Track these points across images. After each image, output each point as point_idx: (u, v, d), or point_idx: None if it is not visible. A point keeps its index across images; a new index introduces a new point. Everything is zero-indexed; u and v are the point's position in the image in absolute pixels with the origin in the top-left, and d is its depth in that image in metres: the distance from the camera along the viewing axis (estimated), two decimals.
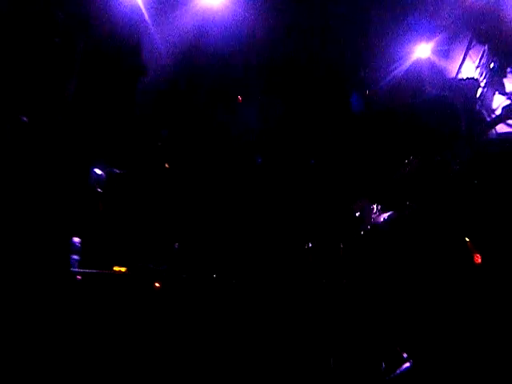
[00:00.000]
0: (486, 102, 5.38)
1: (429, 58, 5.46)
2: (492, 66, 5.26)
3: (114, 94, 3.97)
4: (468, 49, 5.58)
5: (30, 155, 3.52)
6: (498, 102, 5.29)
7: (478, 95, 5.17)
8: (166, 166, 5.12)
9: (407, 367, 3.52)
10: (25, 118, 3.23)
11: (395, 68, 4.96)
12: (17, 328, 3.29)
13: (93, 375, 3.38)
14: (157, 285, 4.25)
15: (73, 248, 4.20)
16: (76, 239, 4.23)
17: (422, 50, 5.67)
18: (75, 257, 4.24)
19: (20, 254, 3.59)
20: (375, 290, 4.02)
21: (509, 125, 4.50)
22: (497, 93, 5.26)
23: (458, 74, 5.72)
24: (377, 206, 3.71)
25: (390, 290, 3.72)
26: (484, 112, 5.00)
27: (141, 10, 5.07)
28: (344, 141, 6.09)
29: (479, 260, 4.28)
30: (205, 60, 6.09)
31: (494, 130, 4.72)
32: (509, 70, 5.11)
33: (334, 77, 6.44)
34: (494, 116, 3.31)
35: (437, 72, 5.74)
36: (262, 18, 5.89)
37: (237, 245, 5.44)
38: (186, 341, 4.02)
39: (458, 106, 3.54)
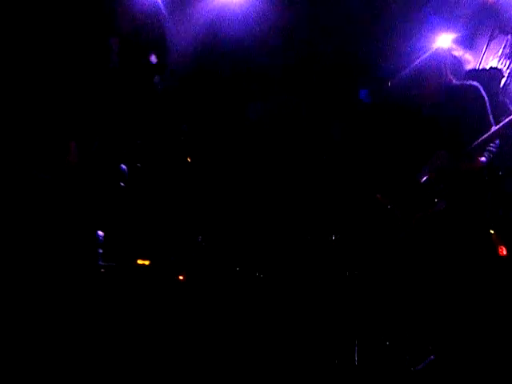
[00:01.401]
0: (508, 92, 5.33)
1: (450, 48, 5.40)
2: None
3: (137, 90, 3.98)
4: (491, 38, 5.51)
5: (53, 150, 3.55)
6: None
7: (501, 85, 5.12)
8: (188, 159, 5.15)
9: (431, 359, 3.52)
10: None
11: (416, 58, 4.90)
12: (42, 320, 3.33)
13: (116, 366, 3.41)
14: (180, 278, 4.29)
15: (97, 241, 4.25)
16: (100, 233, 4.27)
17: (443, 40, 5.61)
18: (99, 250, 4.29)
19: (45, 248, 3.63)
20: (400, 283, 4.02)
21: None
22: None
23: (480, 64, 5.66)
24: (402, 201, 3.68)
25: (415, 283, 3.71)
26: (507, 102, 4.95)
27: (158, 3, 5.08)
28: (364, 134, 6.08)
29: (504, 252, 4.26)
30: (223, 53, 6.08)
31: None
32: None
33: (352, 69, 6.41)
34: None
35: (459, 62, 5.68)
36: (279, 9, 5.86)
37: (260, 238, 5.45)
38: (211, 333, 4.04)
39: (484, 96, 3.50)
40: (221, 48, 6.10)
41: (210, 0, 5.84)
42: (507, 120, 3.22)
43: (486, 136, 3.26)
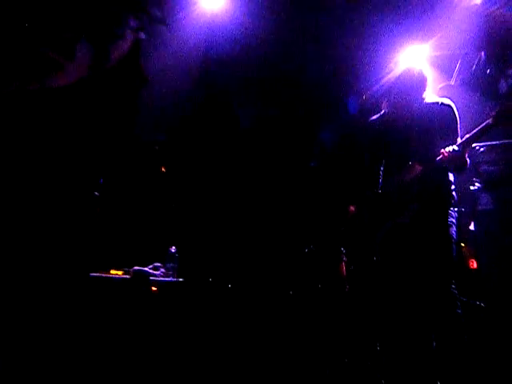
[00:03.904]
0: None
1: (424, 62, 5.48)
2: (488, 71, 5.29)
3: (115, 100, 3.96)
4: (464, 54, 5.61)
5: (30, 157, 3.50)
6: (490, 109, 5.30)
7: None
8: (163, 169, 5.13)
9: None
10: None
11: (389, 72, 4.96)
12: (16, 330, 3.27)
13: (88, 378, 3.37)
14: (153, 288, 4.26)
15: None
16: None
17: (416, 55, 5.72)
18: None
19: (21, 258, 3.56)
20: (370, 295, 4.05)
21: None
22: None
23: (453, 79, 5.75)
24: (373, 212, 3.72)
25: (386, 294, 3.74)
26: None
27: None
28: (341, 145, 6.14)
29: (475, 265, 4.32)
30: (206, 65, 6.10)
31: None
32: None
33: (332, 80, 6.46)
34: (483, 124, 3.31)
35: (431, 77, 5.76)
36: (261, 22, 5.89)
37: (234, 248, 5.45)
38: (183, 345, 4.03)
39: (456, 116, 3.56)
40: (205, 58, 6.12)
41: (192, 11, 5.85)
42: (472, 133, 3.30)
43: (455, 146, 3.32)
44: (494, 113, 3.18)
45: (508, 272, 4.24)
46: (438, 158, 3.33)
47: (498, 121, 3.16)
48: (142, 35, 1.84)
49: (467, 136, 3.34)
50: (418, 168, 3.47)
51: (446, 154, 3.30)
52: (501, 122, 3.16)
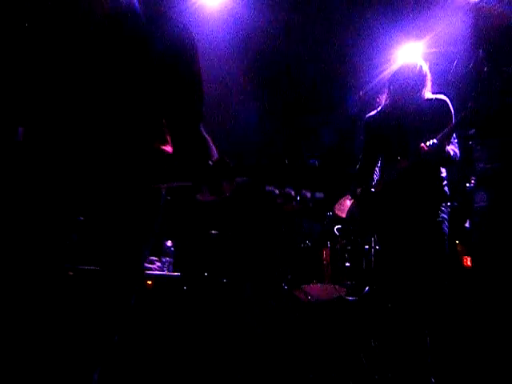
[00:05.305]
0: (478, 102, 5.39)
1: (421, 58, 5.49)
2: (486, 69, 5.28)
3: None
4: (461, 52, 5.60)
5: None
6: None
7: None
8: None
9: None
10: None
11: (386, 68, 4.96)
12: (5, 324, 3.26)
13: (81, 375, 3.37)
14: (149, 282, 4.26)
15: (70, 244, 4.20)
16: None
17: (413, 51, 5.72)
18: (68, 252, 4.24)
19: (14, 251, 3.56)
20: (364, 291, 4.06)
21: None
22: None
23: (450, 76, 5.74)
24: (364, 210, 3.72)
25: (380, 290, 3.76)
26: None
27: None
28: (340, 141, 6.15)
29: (469, 263, 4.33)
30: (204, 60, 6.06)
31: None
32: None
33: (332, 77, 6.46)
34: (459, 117, 3.38)
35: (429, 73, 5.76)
36: (261, 17, 5.86)
37: (229, 243, 5.45)
38: (178, 339, 4.03)
39: (451, 110, 3.57)
40: (202, 53, 6.08)
41: (191, 4, 5.82)
42: (449, 126, 3.34)
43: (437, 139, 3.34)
44: (468, 105, 3.24)
45: (503, 270, 4.25)
46: (420, 152, 3.34)
47: (472, 113, 3.23)
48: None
49: (445, 129, 3.36)
50: (404, 163, 3.47)
51: (425, 148, 3.32)
52: (474, 114, 3.24)
